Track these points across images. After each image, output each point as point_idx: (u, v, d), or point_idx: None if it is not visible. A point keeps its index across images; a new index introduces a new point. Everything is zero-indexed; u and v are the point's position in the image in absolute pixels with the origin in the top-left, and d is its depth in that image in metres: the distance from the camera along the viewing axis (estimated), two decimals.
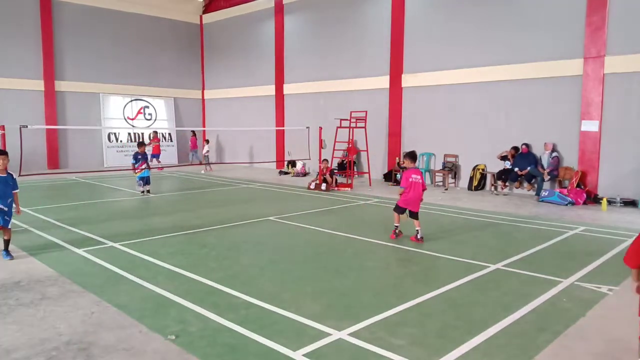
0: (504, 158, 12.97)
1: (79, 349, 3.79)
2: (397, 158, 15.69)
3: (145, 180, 12.46)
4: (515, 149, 12.84)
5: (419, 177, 7.30)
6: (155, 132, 20.59)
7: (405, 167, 7.71)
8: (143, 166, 12.27)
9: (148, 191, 12.53)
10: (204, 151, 19.78)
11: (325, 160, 14.19)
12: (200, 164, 20.07)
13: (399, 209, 7.45)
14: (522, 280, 5.57)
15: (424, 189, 7.37)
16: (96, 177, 16.50)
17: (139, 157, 12.28)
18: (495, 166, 13.35)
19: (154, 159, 19.60)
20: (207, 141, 20.21)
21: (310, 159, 16.89)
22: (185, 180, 16.30)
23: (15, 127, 10.71)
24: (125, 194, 12.71)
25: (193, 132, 21.22)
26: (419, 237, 7.31)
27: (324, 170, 13.87)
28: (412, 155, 7.55)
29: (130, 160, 13.02)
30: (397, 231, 7.52)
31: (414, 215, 7.37)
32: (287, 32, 19.59)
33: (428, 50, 14.91)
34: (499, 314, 4.51)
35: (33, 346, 3.84)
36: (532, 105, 12.86)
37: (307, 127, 16.67)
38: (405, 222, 7.59)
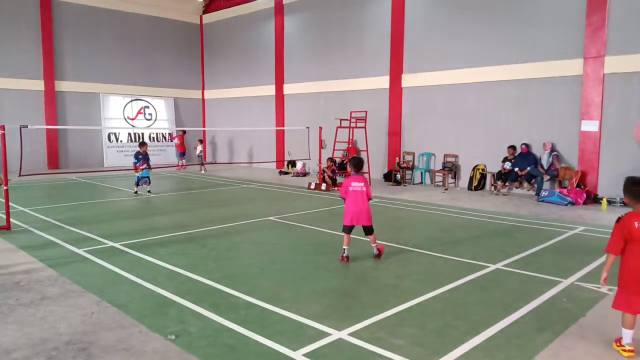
0: (504, 159, 12.95)
1: (79, 349, 3.79)
2: (397, 158, 15.69)
3: (145, 180, 12.48)
4: (513, 148, 12.83)
5: (361, 184, 6.16)
6: (183, 131, 20.52)
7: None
8: (143, 166, 12.31)
9: (149, 191, 12.57)
10: (197, 151, 19.74)
11: (330, 159, 14.24)
12: (183, 166, 20.03)
13: (345, 228, 6.26)
14: (522, 280, 5.57)
15: (369, 198, 6.24)
16: (96, 177, 16.51)
17: (140, 156, 12.35)
18: (495, 166, 13.35)
19: (182, 158, 19.84)
20: (200, 141, 20.12)
21: (310, 159, 16.89)
22: (185, 180, 16.30)
23: (15, 127, 10.69)
24: (125, 194, 12.71)
25: (183, 131, 21.09)
26: (375, 252, 6.36)
27: (328, 169, 13.90)
28: (356, 164, 6.37)
29: (131, 160, 13.09)
30: (344, 255, 6.24)
31: (366, 230, 6.27)
32: (287, 32, 19.59)
33: (428, 50, 14.91)
34: (499, 314, 4.51)
35: (33, 346, 3.85)
36: (532, 105, 12.86)
37: (307, 127, 16.67)
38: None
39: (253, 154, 21.70)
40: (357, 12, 16.95)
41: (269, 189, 13.94)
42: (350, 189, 6.19)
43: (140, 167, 12.29)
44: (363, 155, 16.20)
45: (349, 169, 6.55)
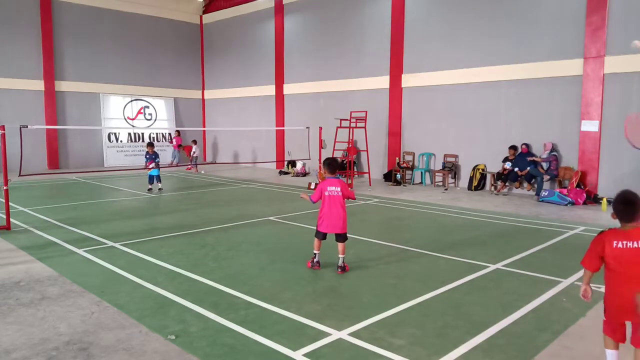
0: (505, 159, 12.94)
1: (79, 349, 3.79)
2: (397, 158, 15.70)
3: (153, 179, 12.83)
4: (514, 148, 12.83)
5: (338, 188, 5.78)
6: (178, 132, 20.49)
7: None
8: (151, 165, 12.70)
9: (150, 189, 12.81)
10: (193, 152, 19.69)
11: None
12: (173, 165, 19.97)
13: (319, 234, 5.92)
14: (522, 280, 5.57)
15: (348, 197, 5.87)
16: (96, 177, 16.50)
17: (147, 156, 12.89)
18: (495, 166, 13.34)
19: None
20: (195, 142, 20.07)
21: (310, 159, 16.89)
22: (185, 180, 16.30)
23: (15, 127, 10.69)
24: (125, 194, 12.71)
25: (177, 131, 21.08)
26: (339, 264, 5.85)
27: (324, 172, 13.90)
28: (329, 164, 5.98)
29: (132, 160, 13.31)
30: (314, 260, 6.00)
31: (338, 237, 5.87)
32: (287, 32, 19.60)
33: (428, 50, 14.91)
34: (499, 314, 4.51)
35: (33, 346, 3.84)
36: (532, 105, 12.86)
37: (307, 127, 16.68)
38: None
39: (253, 154, 21.70)
40: (357, 12, 16.95)
41: (269, 189, 13.94)
42: (326, 193, 5.79)
43: (149, 166, 12.77)
44: (363, 155, 16.24)
45: (322, 170, 6.12)
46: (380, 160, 16.42)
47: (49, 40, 19.25)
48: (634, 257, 3.08)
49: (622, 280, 3.15)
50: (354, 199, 5.97)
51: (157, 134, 22.51)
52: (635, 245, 3.08)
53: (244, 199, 12.19)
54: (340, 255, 5.88)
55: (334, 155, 15.49)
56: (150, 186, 12.85)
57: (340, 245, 5.86)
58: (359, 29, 16.90)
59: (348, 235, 5.99)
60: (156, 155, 12.95)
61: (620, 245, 3.11)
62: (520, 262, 6.31)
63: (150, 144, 13.12)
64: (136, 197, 12.23)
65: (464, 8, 14.04)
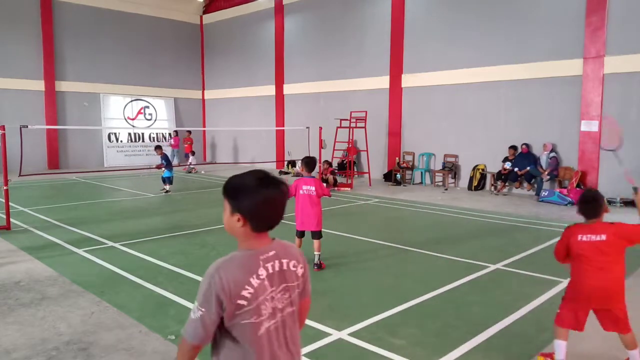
0: (505, 159, 12.94)
1: (79, 349, 3.79)
2: (397, 158, 15.69)
3: (165, 180, 12.87)
4: (514, 148, 12.83)
5: (312, 188, 5.80)
6: (189, 132, 20.44)
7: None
8: (162, 167, 12.90)
9: (166, 190, 12.84)
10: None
11: (326, 161, 14.23)
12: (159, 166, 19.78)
13: (297, 232, 5.99)
14: (522, 280, 5.58)
15: (323, 195, 5.88)
16: (96, 177, 16.50)
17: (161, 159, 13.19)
18: (495, 166, 13.34)
19: (190, 157, 19.53)
20: (189, 132, 19.90)
21: None
22: (185, 180, 16.29)
23: (15, 127, 10.70)
24: (125, 194, 12.71)
25: (175, 131, 21.02)
26: (315, 262, 5.89)
27: (325, 172, 13.89)
28: (307, 162, 6.04)
29: (133, 160, 13.33)
30: None
31: (313, 235, 5.91)
32: (287, 32, 19.60)
33: (428, 50, 14.90)
34: (499, 314, 4.51)
35: (33, 346, 3.85)
36: (532, 105, 12.86)
37: (307, 127, 16.68)
38: None
39: (253, 154, 21.69)
40: (357, 12, 16.95)
41: None
42: (300, 191, 5.85)
43: (156, 168, 13.20)
44: (363, 155, 16.24)
45: (300, 168, 6.32)
46: (380, 160, 16.42)
47: (49, 40, 19.24)
48: (597, 249, 3.29)
49: (587, 271, 3.34)
50: (330, 196, 6.19)
51: (157, 134, 22.50)
52: (599, 238, 3.29)
53: None
54: (315, 253, 5.90)
55: (334, 156, 15.49)
56: (167, 187, 12.83)
57: (315, 242, 5.90)
58: (359, 29, 16.89)
59: (348, 235, 5.98)
60: (163, 157, 12.92)
61: (584, 238, 3.33)
62: (520, 262, 6.31)
63: (157, 147, 13.30)
64: (136, 197, 12.23)
65: (464, 8, 14.04)
